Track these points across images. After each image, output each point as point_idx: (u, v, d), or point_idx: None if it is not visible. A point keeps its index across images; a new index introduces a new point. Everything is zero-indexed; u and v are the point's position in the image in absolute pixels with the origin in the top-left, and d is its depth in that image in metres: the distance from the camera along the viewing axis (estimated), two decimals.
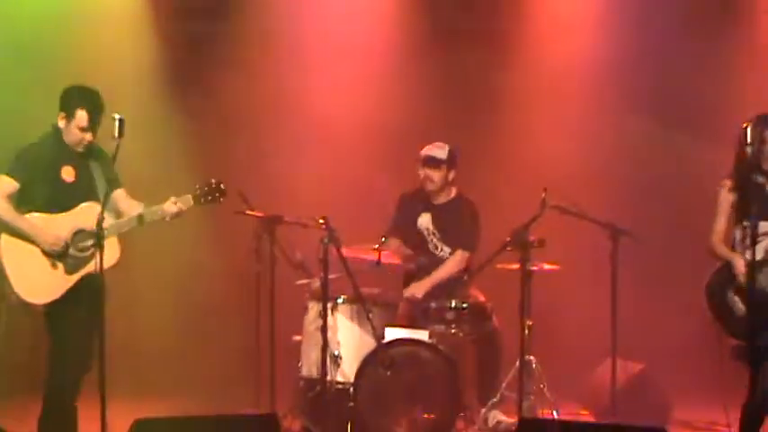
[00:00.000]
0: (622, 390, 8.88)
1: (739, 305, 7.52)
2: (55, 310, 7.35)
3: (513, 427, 7.65)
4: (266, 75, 10.80)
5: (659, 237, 8.70)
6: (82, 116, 7.35)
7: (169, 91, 10.74)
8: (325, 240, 8.18)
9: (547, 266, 8.93)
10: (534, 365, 8.77)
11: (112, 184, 7.54)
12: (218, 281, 10.46)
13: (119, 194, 7.57)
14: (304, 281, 8.93)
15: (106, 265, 7.06)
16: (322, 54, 10.90)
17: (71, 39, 10.46)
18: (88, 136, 7.37)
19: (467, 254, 8.92)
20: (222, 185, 7.57)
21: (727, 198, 7.69)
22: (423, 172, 8.97)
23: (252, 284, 8.79)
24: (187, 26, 10.93)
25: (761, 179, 7.50)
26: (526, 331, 8.50)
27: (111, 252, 7.24)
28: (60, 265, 7.37)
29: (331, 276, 8.39)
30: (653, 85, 10.75)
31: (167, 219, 7.51)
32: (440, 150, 8.99)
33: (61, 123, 7.40)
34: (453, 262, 8.93)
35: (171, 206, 7.44)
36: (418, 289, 8.88)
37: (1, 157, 7.73)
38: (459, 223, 9.07)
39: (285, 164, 10.68)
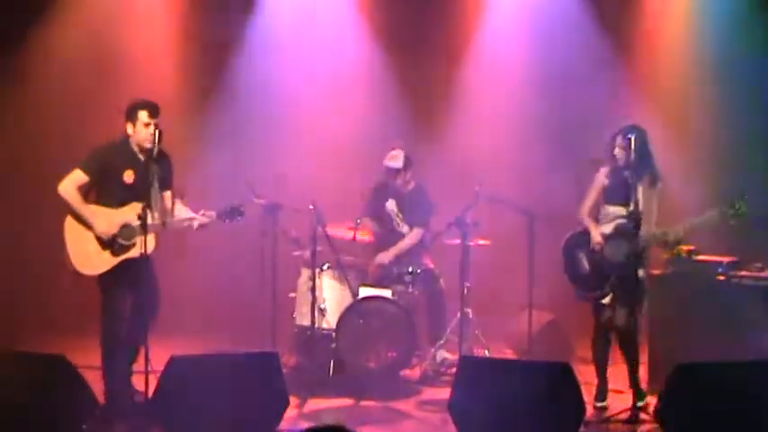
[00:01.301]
0: (537, 334, 9.54)
1: (584, 264, 8.43)
2: (103, 280, 7.98)
3: (455, 362, 8.28)
4: (275, 98, 11.51)
5: (563, 218, 9.02)
6: (143, 114, 7.91)
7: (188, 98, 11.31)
8: (314, 222, 8.97)
9: (481, 242, 9.74)
10: (471, 316, 9.53)
11: (164, 185, 8.12)
12: (234, 253, 10.93)
13: (167, 195, 8.19)
14: (298, 252, 9.62)
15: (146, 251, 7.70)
16: (316, 80, 11.60)
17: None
18: (152, 128, 7.83)
19: (422, 230, 9.72)
20: (242, 208, 8.17)
21: (600, 181, 8.43)
22: (388, 177, 9.78)
23: (258, 255, 9.19)
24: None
25: (626, 172, 8.18)
26: (465, 291, 9.28)
27: (149, 244, 7.79)
28: (108, 249, 7.94)
29: (318, 248, 9.14)
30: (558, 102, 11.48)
31: (194, 227, 8.14)
32: (396, 162, 9.72)
33: (129, 130, 7.94)
34: (412, 237, 9.74)
35: (201, 217, 8.12)
36: (385, 257, 9.67)
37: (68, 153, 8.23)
38: (417, 207, 9.81)
39: (284, 164, 11.11)
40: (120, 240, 7.84)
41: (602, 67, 11.30)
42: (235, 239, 10.45)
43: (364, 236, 9.71)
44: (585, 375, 8.28)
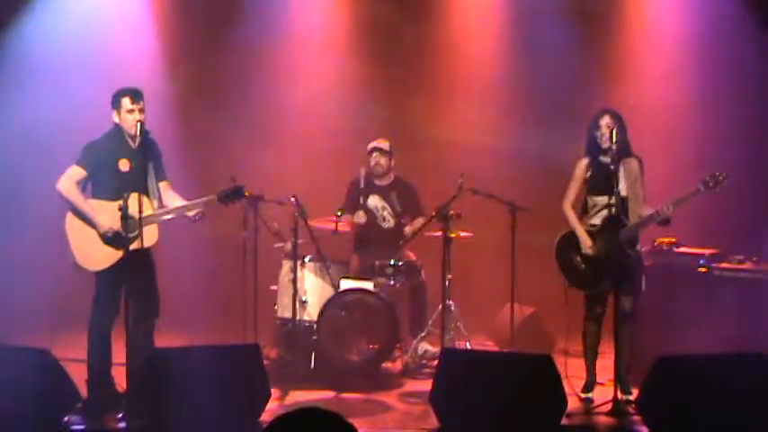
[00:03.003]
0: (518, 327, 9.48)
1: (580, 264, 8.40)
2: (104, 273, 7.91)
3: (437, 355, 8.42)
4: (261, 89, 11.70)
5: (545, 211, 9.04)
6: (125, 101, 7.84)
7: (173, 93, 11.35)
8: (296, 214, 8.97)
9: (463, 234, 9.64)
10: (453, 308, 9.51)
11: (159, 176, 8.08)
12: (216, 245, 11.09)
13: (162, 186, 8.12)
14: (279, 244, 9.63)
15: (147, 244, 7.77)
16: (298, 79, 11.84)
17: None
18: (137, 114, 7.79)
19: (423, 218, 9.78)
20: (243, 188, 8.08)
21: (582, 172, 8.40)
22: (373, 159, 9.93)
23: (240, 247, 9.12)
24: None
25: (605, 159, 8.18)
26: (447, 283, 9.27)
27: (150, 235, 7.83)
28: (111, 243, 7.85)
29: (300, 241, 9.15)
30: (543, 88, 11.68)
31: (192, 218, 8.08)
32: (384, 143, 10.02)
33: (116, 118, 7.88)
34: (419, 222, 9.86)
35: (201, 203, 8.02)
36: (409, 230, 9.86)
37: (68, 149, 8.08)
38: (410, 199, 10.07)
39: (267, 156, 11.45)
40: (123, 233, 7.71)
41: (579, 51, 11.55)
42: (216, 232, 10.58)
43: (345, 228, 9.79)
44: (567, 368, 8.24)
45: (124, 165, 7.92)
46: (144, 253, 7.85)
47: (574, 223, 8.41)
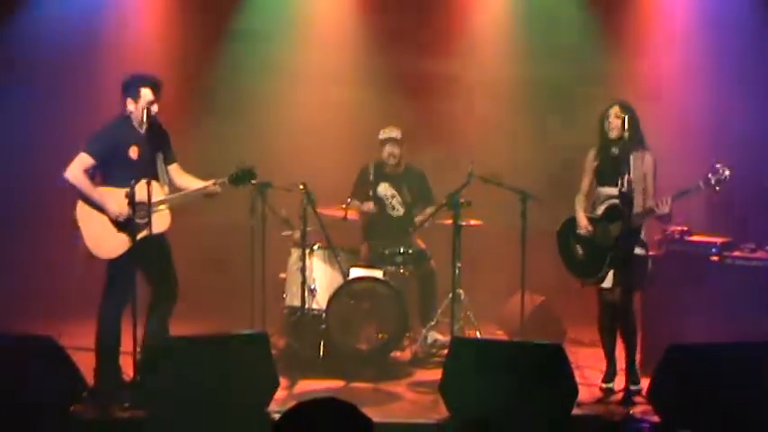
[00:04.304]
0: (529, 316, 9.38)
1: (578, 250, 8.40)
2: (116, 261, 7.88)
3: (447, 344, 8.49)
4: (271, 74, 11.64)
5: (558, 200, 9.00)
6: (146, 93, 7.81)
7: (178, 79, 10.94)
8: (305, 201, 8.93)
9: (473, 222, 9.64)
10: (462, 297, 9.44)
11: (168, 159, 8.05)
12: (225, 232, 10.92)
13: (173, 169, 8.09)
14: (288, 232, 9.59)
15: (160, 229, 7.77)
16: (312, 65, 11.78)
17: None
18: (155, 107, 7.81)
19: (433, 207, 9.72)
20: (254, 169, 8.07)
21: (591, 163, 8.40)
22: (387, 150, 9.85)
23: (249, 235, 8.97)
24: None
25: (614, 149, 8.16)
26: (456, 271, 9.18)
27: (163, 220, 7.83)
28: (124, 230, 7.81)
29: (309, 228, 9.12)
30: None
31: (204, 196, 8.06)
32: (396, 132, 9.88)
33: (131, 107, 7.84)
34: (429, 210, 9.80)
35: (212, 187, 8.02)
36: (418, 220, 9.77)
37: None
38: (421, 187, 10.02)
39: (277, 142, 11.30)
40: (135, 220, 7.66)
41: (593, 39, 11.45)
42: (224, 219, 10.51)
43: (354, 216, 9.77)
44: (577, 357, 8.36)
45: (134, 152, 7.87)
46: (157, 238, 7.82)
47: (576, 207, 8.42)
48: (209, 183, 8.05)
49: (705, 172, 7.78)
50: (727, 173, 7.71)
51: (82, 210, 7.90)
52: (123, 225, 7.80)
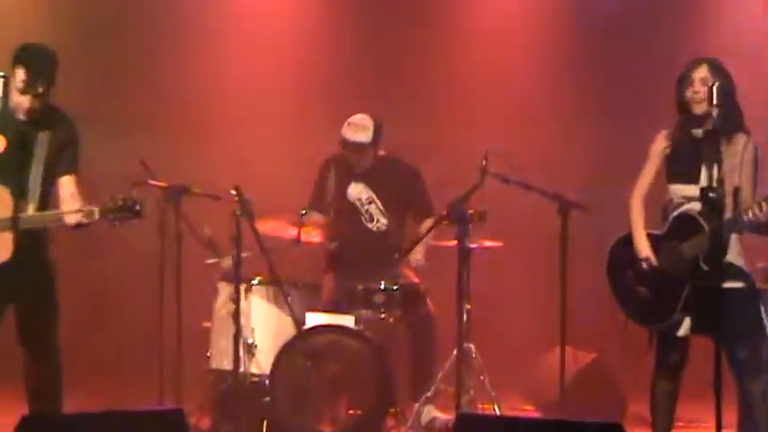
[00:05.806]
0: (572, 382, 8.37)
1: (638, 287, 7.14)
2: None
3: (450, 425, 7.65)
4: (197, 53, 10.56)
5: (613, 209, 7.94)
6: (19, 75, 6.77)
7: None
8: (238, 213, 7.74)
9: (488, 243, 8.54)
10: (473, 355, 8.33)
11: (60, 166, 6.94)
12: (117, 259, 10.11)
13: (64, 181, 6.98)
14: (213, 260, 8.49)
15: None
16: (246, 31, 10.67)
17: None
18: (26, 101, 6.72)
19: (431, 220, 8.55)
20: (138, 206, 6.85)
21: (658, 149, 7.17)
22: (350, 157, 8.70)
23: (155, 264, 8.13)
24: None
25: (697, 131, 6.92)
26: (465, 316, 8.10)
27: (5, 248, 6.78)
28: None
29: (244, 255, 7.97)
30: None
31: (68, 223, 6.84)
32: (363, 134, 8.54)
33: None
34: (426, 225, 8.54)
35: (74, 216, 6.78)
36: (419, 254, 8.49)
37: None
38: (411, 190, 8.73)
39: (201, 137, 10.38)
40: None
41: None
42: (120, 240, 9.20)
43: (313, 237, 8.47)
44: None
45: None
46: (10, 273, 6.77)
47: (633, 222, 7.16)
48: (72, 210, 6.84)
49: None
50: None
51: None
52: None
